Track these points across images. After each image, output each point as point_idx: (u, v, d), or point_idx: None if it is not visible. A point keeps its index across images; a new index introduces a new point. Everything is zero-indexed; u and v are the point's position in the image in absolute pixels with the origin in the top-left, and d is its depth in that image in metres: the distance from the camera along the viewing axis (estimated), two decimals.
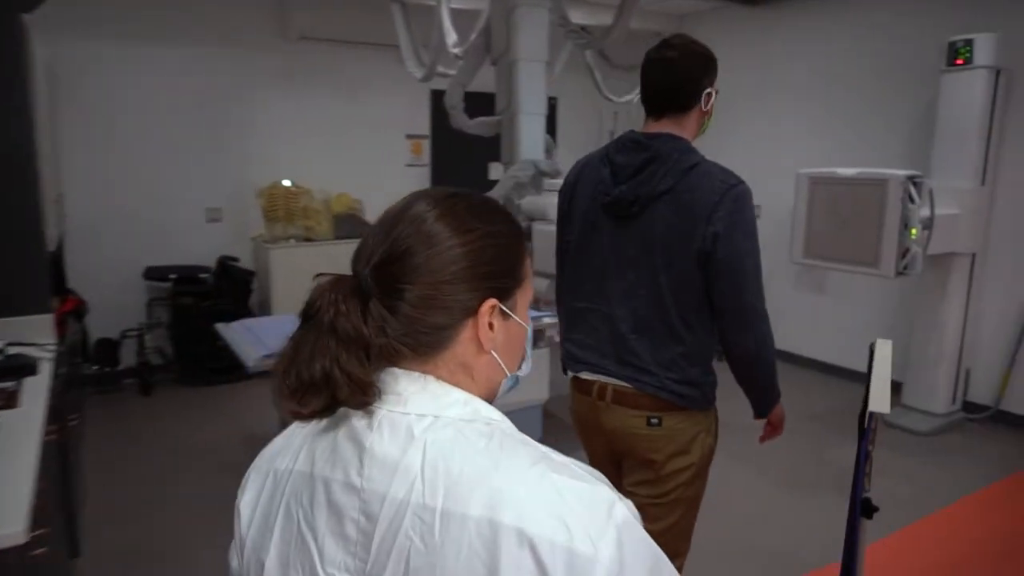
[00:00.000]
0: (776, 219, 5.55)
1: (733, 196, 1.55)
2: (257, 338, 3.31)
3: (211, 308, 4.71)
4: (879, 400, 1.32)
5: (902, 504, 3.21)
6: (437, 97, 5.54)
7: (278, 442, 0.77)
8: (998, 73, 4.01)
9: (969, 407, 4.43)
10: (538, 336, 3.93)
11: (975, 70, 3.95)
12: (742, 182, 1.60)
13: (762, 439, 1.89)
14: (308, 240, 5.17)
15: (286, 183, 5.11)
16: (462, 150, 6.09)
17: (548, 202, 2.53)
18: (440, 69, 4.17)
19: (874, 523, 1.50)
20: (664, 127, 1.64)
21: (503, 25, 2.66)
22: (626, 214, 1.60)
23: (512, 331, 0.75)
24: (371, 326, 0.66)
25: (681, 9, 6.20)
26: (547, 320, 3.67)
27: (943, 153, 4.11)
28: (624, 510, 0.62)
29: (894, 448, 3.96)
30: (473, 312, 0.71)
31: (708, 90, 1.67)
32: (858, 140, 4.95)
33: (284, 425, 0.77)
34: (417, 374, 0.70)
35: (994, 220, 4.26)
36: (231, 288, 5.01)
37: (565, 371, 1.81)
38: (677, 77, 1.62)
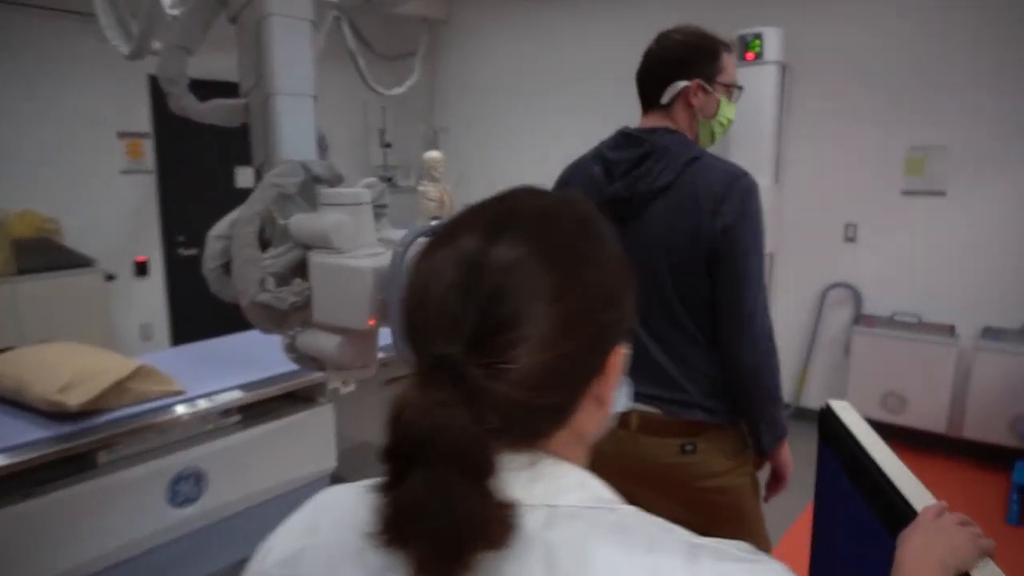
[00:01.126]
0: None
1: (741, 188, 1.42)
2: None
3: None
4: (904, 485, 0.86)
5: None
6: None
7: (289, 540, 0.60)
8: (784, 68, 3.95)
9: None
10: (318, 391, 3.08)
11: (765, 65, 3.85)
12: (748, 174, 1.46)
13: (767, 497, 1.76)
14: None
15: None
16: (200, 150, 4.90)
17: (330, 222, 1.71)
18: (157, 45, 3.10)
19: None
20: (653, 122, 1.56)
21: None
22: (622, 215, 1.46)
23: (619, 364, 0.60)
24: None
25: None
26: (320, 375, 2.86)
27: (740, 151, 3.96)
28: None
29: None
30: (601, 371, 0.57)
31: (682, 84, 1.55)
32: None
33: None
34: (522, 455, 0.54)
35: (784, 219, 4.24)
36: None
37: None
38: (647, 70, 1.61)
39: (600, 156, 1.58)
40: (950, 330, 3.81)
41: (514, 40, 5.39)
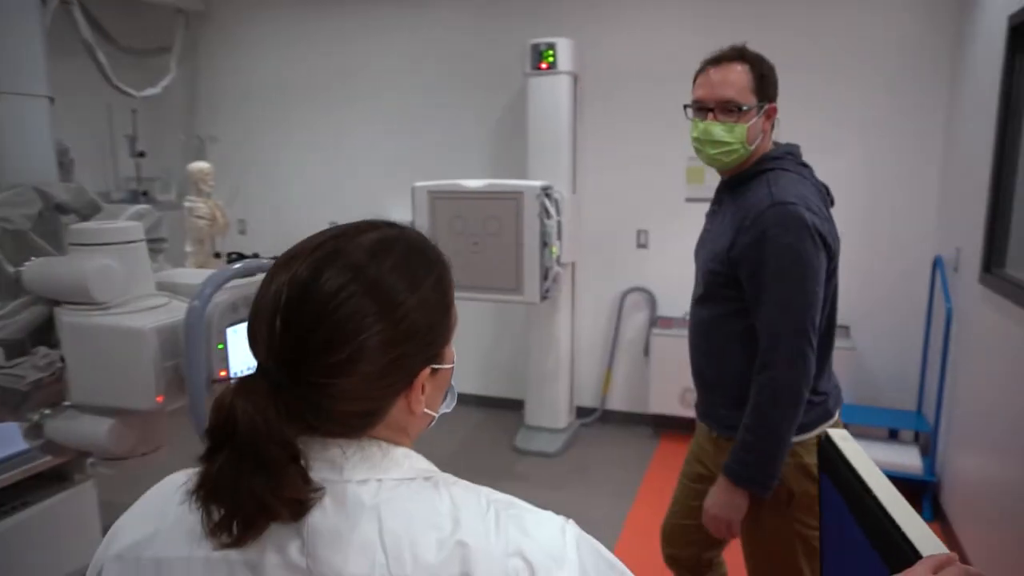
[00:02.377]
0: None
1: None
2: None
3: None
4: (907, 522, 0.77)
5: None
6: None
7: (138, 524, 0.69)
8: (575, 79, 3.99)
9: (579, 412, 4.46)
10: (75, 466, 2.45)
11: (559, 75, 3.85)
12: None
13: None
14: None
15: None
16: None
17: (89, 269, 1.27)
18: None
19: None
20: None
21: None
22: None
23: (442, 377, 0.73)
24: (295, 426, 0.63)
25: None
26: None
27: (539, 162, 3.93)
28: (574, 526, 0.67)
29: (540, 484, 3.65)
30: (408, 386, 0.67)
31: None
32: (448, 150, 4.55)
33: None
34: (352, 442, 0.66)
35: (582, 228, 4.30)
36: None
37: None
38: None
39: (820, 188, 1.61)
40: None
41: (290, 37, 4.90)
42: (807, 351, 1.46)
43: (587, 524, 0.66)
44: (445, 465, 0.69)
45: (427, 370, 0.68)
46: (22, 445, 2.17)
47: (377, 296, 0.63)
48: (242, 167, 5.13)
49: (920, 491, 3.26)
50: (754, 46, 1.68)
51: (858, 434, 3.73)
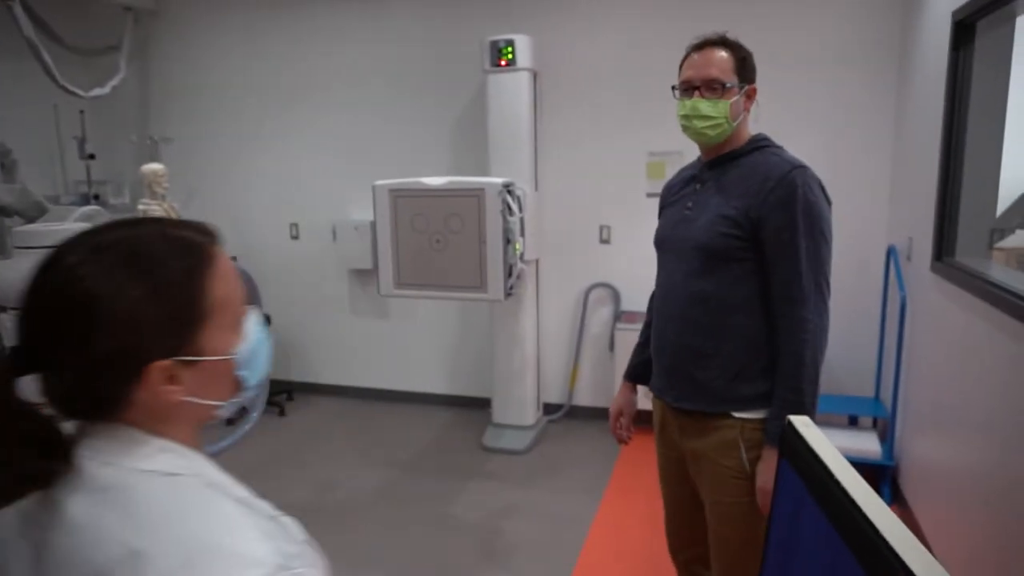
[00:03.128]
0: (316, 239, 4.85)
1: None
2: None
3: None
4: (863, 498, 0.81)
5: (551, 542, 2.85)
6: None
7: None
8: (535, 76, 3.99)
9: (546, 408, 4.47)
10: None
11: (518, 72, 3.85)
12: None
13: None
14: None
15: None
16: None
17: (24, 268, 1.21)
18: None
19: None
20: None
21: None
22: None
23: (210, 368, 0.71)
24: (52, 406, 0.67)
25: None
26: None
27: (501, 159, 3.93)
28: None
29: (509, 481, 3.64)
30: (139, 378, 0.66)
31: None
32: (408, 148, 4.52)
33: None
34: (100, 425, 0.68)
35: (545, 224, 4.31)
36: None
37: None
38: None
39: None
40: None
41: (246, 35, 4.81)
42: (827, 302, 1.60)
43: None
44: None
45: (168, 361, 0.67)
46: None
47: (103, 284, 0.64)
48: (197, 168, 5.02)
49: (880, 475, 3.34)
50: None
51: (818, 421, 3.81)
